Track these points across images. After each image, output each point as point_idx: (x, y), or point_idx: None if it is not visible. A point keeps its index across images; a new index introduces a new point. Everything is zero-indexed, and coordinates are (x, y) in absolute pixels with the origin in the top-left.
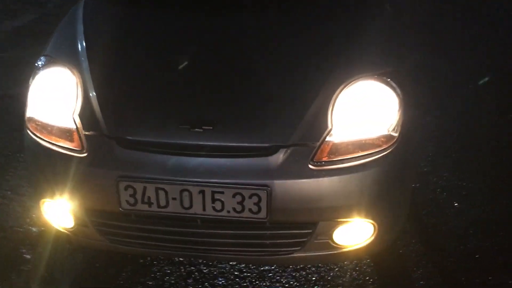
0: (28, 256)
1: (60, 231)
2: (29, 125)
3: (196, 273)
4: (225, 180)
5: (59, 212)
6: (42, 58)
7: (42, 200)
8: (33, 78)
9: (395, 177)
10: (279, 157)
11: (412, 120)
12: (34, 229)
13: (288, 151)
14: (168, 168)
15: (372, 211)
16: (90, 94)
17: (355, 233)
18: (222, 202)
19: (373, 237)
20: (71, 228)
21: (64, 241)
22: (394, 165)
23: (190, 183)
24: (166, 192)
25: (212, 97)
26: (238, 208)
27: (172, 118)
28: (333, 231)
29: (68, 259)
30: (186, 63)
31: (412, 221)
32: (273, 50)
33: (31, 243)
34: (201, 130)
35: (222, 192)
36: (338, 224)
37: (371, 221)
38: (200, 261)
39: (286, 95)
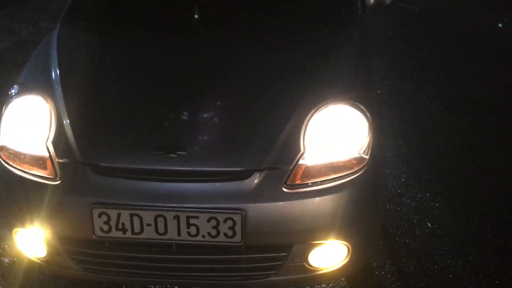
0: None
1: (33, 261)
2: (1, 154)
3: None
4: (200, 204)
5: (32, 241)
6: (15, 86)
7: (15, 230)
8: (6, 107)
9: (367, 198)
10: (253, 180)
11: (381, 142)
12: (5, 260)
13: (262, 174)
14: (142, 194)
15: (345, 233)
16: (64, 122)
17: (329, 255)
18: (197, 227)
19: (347, 259)
20: (44, 257)
21: (36, 271)
22: (366, 186)
23: (164, 208)
24: (140, 218)
25: (185, 123)
26: (213, 232)
27: (146, 144)
28: (308, 254)
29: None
30: (159, 89)
31: (386, 242)
32: (245, 75)
33: (1, 273)
34: (175, 155)
35: (197, 217)
36: (312, 246)
37: (345, 242)
38: (176, 287)
39: (259, 120)
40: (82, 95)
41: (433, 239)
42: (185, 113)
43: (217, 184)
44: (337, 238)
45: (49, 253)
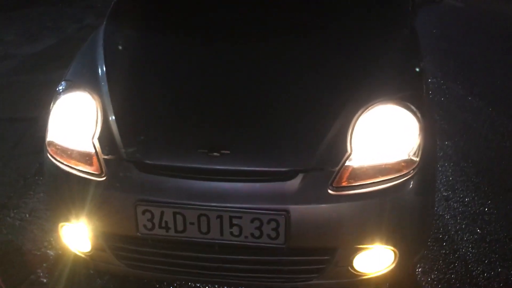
0: (45, 280)
1: (78, 255)
2: (49, 149)
3: None
4: (243, 204)
5: (77, 236)
6: (62, 83)
7: (61, 224)
8: (53, 103)
9: (416, 202)
10: (298, 181)
11: (432, 144)
12: (51, 253)
13: (307, 175)
14: (186, 193)
15: (392, 238)
16: (110, 118)
17: (375, 260)
18: (240, 227)
19: (393, 264)
20: (89, 252)
21: (81, 265)
22: (415, 190)
23: (208, 207)
24: (183, 217)
25: (229, 122)
26: (256, 233)
27: (190, 142)
28: (353, 258)
29: (85, 283)
30: (204, 87)
31: (434, 247)
32: (291, 73)
33: (48, 266)
34: (218, 154)
35: (240, 217)
36: (358, 250)
37: (392, 247)
38: (217, 286)
39: (304, 119)
40: (127, 92)
41: (482, 246)
42: (230, 112)
43: (261, 184)
44: (384, 243)
45: (93, 248)
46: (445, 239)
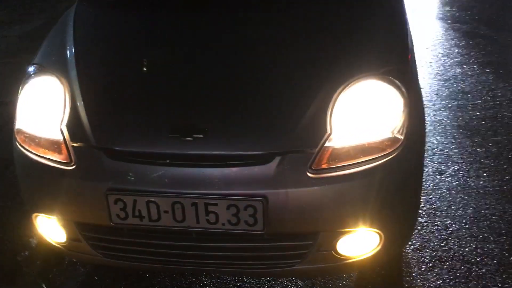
0: (26, 269)
1: (54, 246)
2: (17, 137)
3: (198, 284)
4: (218, 191)
5: (51, 226)
6: (31, 66)
7: (34, 214)
8: (22, 88)
9: (401, 183)
10: (275, 165)
11: (418, 121)
12: (33, 241)
13: (285, 158)
14: (158, 180)
15: (377, 220)
16: (78, 104)
17: (360, 244)
18: (216, 215)
19: (379, 247)
20: (64, 242)
21: (57, 256)
22: (400, 170)
23: (181, 195)
24: (157, 205)
25: (202, 104)
26: (233, 220)
27: (162, 126)
28: (336, 242)
29: (67, 271)
30: (175, 69)
31: (426, 223)
32: (266, 51)
33: (23, 257)
34: (191, 138)
35: (216, 204)
36: (341, 234)
37: (377, 230)
38: (196, 274)
39: (281, 99)
40: (97, 76)
41: (476, 221)
42: (202, 94)
43: (236, 169)
44: (368, 226)
45: (68, 239)
46: (437, 214)
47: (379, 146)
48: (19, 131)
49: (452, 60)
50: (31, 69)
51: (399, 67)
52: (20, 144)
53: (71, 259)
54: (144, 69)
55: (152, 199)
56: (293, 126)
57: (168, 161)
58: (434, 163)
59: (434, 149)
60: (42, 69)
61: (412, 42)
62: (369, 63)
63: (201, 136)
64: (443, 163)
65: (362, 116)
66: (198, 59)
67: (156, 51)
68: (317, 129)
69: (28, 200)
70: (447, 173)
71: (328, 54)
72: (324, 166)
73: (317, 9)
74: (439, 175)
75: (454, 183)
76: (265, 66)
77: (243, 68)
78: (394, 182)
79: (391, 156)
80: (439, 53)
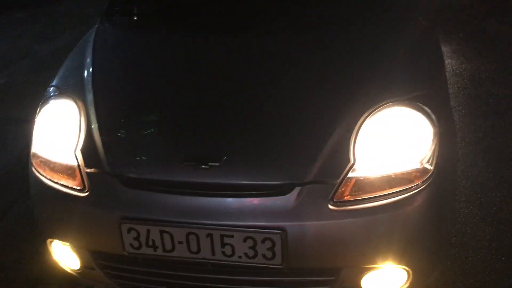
0: None
1: (68, 272)
2: (33, 161)
3: None
4: (235, 222)
5: (66, 252)
6: (49, 89)
7: (49, 240)
8: (39, 111)
9: (431, 217)
10: (294, 196)
11: (450, 150)
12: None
13: (305, 189)
14: (173, 209)
15: (405, 256)
16: (93, 128)
17: (386, 280)
18: (233, 247)
19: (407, 284)
20: (78, 270)
21: (72, 283)
22: (430, 203)
23: (196, 225)
24: (171, 236)
25: (219, 132)
26: (251, 253)
27: (177, 154)
28: (360, 278)
29: None
30: (194, 95)
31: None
32: (287, 75)
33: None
34: (207, 167)
35: (232, 236)
36: (365, 270)
37: (405, 267)
38: None
39: (302, 127)
40: (113, 100)
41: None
42: (220, 121)
43: (254, 199)
44: (395, 262)
45: (82, 266)
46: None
47: (406, 177)
48: (35, 154)
49: None
50: (49, 91)
51: (429, 92)
52: (35, 168)
53: (85, 286)
54: (161, 94)
55: (166, 229)
56: (314, 155)
57: (183, 189)
58: None
59: None
60: (59, 92)
61: (444, 65)
62: (396, 88)
63: (217, 164)
64: None
65: (388, 145)
66: (217, 85)
67: (174, 76)
68: (339, 158)
69: (42, 225)
70: None
71: (352, 79)
72: (346, 198)
73: (341, 30)
74: None
75: None
76: (285, 92)
77: (262, 95)
78: (423, 216)
79: (420, 188)
80: None
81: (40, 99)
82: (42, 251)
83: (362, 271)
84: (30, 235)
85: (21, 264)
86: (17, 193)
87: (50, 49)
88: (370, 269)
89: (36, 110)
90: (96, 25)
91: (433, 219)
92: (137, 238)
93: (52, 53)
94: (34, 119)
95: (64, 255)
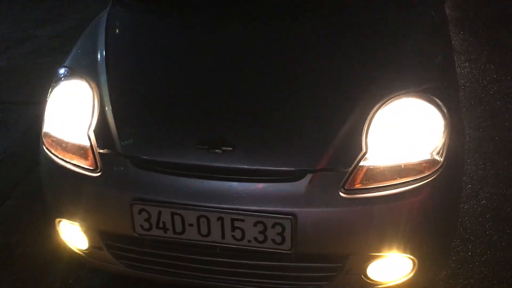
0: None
1: (75, 252)
2: (44, 140)
3: None
4: (246, 206)
5: (74, 232)
6: (60, 69)
7: (57, 219)
8: (51, 91)
9: (439, 207)
10: (306, 182)
11: (459, 143)
12: (49, 248)
13: (316, 176)
14: (184, 192)
15: (411, 246)
16: (106, 109)
17: (392, 269)
18: (243, 231)
19: (412, 273)
20: (86, 250)
21: (78, 262)
22: (438, 194)
23: (207, 209)
24: (182, 218)
25: (233, 116)
26: (260, 237)
27: (190, 137)
28: (366, 266)
29: (87, 278)
30: (208, 78)
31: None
32: (302, 64)
33: (45, 262)
34: (220, 151)
35: (243, 220)
36: (372, 258)
37: (411, 256)
38: None
39: (316, 114)
40: (127, 82)
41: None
42: (234, 106)
43: (266, 185)
44: (402, 251)
45: (90, 246)
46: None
47: (416, 167)
48: (46, 134)
49: None
50: (61, 72)
51: (441, 85)
52: (46, 148)
53: (92, 266)
54: (176, 77)
55: (177, 211)
56: (327, 143)
57: (195, 173)
58: None
59: None
60: (72, 73)
61: (454, 59)
62: (409, 80)
63: (230, 149)
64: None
65: (400, 135)
66: (231, 70)
67: (188, 59)
68: (352, 147)
69: (51, 204)
70: None
71: (366, 69)
72: (357, 186)
73: (356, 22)
74: None
75: None
76: (300, 80)
77: (277, 81)
78: (431, 206)
79: (429, 179)
80: None
81: (40, 82)
82: (48, 232)
83: (369, 258)
84: (35, 215)
85: (26, 244)
86: (20, 175)
87: (51, 33)
88: (377, 257)
89: (37, 93)
90: (108, 7)
91: (440, 211)
92: (148, 220)
93: (53, 37)
94: (46, 98)
95: (72, 235)
